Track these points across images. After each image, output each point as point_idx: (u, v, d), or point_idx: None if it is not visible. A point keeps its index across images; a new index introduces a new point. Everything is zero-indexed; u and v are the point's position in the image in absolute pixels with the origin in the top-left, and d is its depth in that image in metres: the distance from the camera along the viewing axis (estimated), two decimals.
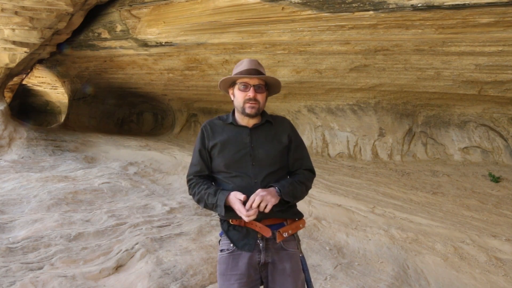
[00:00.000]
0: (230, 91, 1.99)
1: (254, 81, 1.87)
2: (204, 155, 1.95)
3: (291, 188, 1.85)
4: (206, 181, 1.93)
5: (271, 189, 1.79)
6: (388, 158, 8.61)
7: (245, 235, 1.83)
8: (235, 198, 1.74)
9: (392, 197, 6.00)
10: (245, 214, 1.69)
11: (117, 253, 3.59)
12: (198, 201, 1.90)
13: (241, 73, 1.88)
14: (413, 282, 3.60)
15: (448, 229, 4.48)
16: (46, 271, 3.16)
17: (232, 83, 1.96)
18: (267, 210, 1.71)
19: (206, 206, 1.87)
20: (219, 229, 4.40)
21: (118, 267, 3.37)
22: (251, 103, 1.86)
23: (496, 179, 6.90)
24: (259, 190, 1.74)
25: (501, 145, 7.76)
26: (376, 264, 3.88)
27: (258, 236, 1.82)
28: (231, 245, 1.84)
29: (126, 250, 3.61)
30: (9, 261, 3.33)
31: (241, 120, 1.94)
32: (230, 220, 1.87)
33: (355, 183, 6.81)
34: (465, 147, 8.13)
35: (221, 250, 1.89)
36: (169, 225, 4.55)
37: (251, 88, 1.86)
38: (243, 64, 1.90)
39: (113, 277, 3.21)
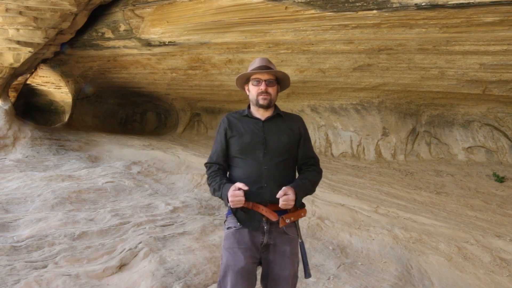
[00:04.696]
0: (246, 87, 2.24)
1: (265, 76, 2.10)
2: (223, 144, 2.17)
3: (305, 193, 2.08)
4: (218, 173, 2.16)
5: (293, 193, 1.97)
6: (392, 158, 8.58)
7: (252, 216, 2.02)
8: (234, 186, 1.97)
9: (396, 197, 5.99)
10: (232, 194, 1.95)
11: (121, 252, 3.60)
12: (208, 185, 2.17)
13: (253, 70, 2.11)
14: (417, 282, 3.58)
15: (452, 229, 4.47)
16: (50, 270, 3.18)
17: (246, 80, 2.21)
18: (282, 207, 1.97)
19: (212, 193, 2.13)
20: (222, 229, 4.40)
21: (121, 266, 3.38)
22: (264, 96, 2.09)
23: (500, 179, 6.86)
24: (291, 193, 1.94)
25: (506, 144, 7.72)
26: (380, 264, 3.87)
27: (264, 219, 2.01)
28: (238, 224, 2.03)
29: (130, 249, 3.62)
30: (14, 260, 3.34)
31: (256, 112, 2.18)
32: None
33: (359, 183, 6.80)
34: (469, 147, 8.09)
35: (228, 228, 2.08)
36: (173, 224, 4.56)
37: (263, 83, 2.09)
38: (256, 62, 2.14)
39: (116, 276, 3.22)
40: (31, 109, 20.10)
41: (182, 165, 8.12)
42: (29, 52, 8.48)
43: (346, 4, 5.15)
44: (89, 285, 2.99)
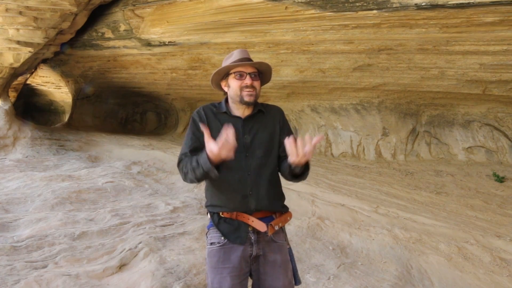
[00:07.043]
0: (223, 83, 1.98)
1: (248, 69, 1.87)
2: (197, 141, 1.86)
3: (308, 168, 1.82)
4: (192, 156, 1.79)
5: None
6: (392, 158, 8.58)
7: (237, 228, 1.83)
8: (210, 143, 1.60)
9: (396, 197, 5.99)
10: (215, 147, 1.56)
11: (121, 252, 3.60)
12: (187, 177, 1.80)
13: (235, 62, 1.88)
14: (417, 282, 3.58)
15: (452, 229, 4.46)
16: (50, 270, 3.18)
17: (225, 75, 1.95)
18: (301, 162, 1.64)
19: (196, 178, 1.74)
20: None
21: (121, 266, 3.38)
22: (249, 91, 1.85)
23: (500, 179, 6.86)
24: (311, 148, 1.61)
25: (506, 144, 7.72)
26: (380, 264, 3.87)
27: (249, 229, 1.83)
28: (222, 238, 1.83)
29: (130, 249, 3.62)
30: (14, 260, 3.34)
31: (236, 110, 1.93)
32: (221, 213, 1.87)
33: (359, 183, 6.80)
34: (469, 147, 8.09)
35: (211, 243, 1.86)
36: (173, 224, 4.56)
37: (247, 76, 1.86)
38: (234, 55, 1.91)
39: (116, 276, 3.22)
40: (31, 109, 20.10)
41: None
42: (29, 52, 8.49)
43: (346, 4, 5.15)
44: (89, 285, 2.99)
